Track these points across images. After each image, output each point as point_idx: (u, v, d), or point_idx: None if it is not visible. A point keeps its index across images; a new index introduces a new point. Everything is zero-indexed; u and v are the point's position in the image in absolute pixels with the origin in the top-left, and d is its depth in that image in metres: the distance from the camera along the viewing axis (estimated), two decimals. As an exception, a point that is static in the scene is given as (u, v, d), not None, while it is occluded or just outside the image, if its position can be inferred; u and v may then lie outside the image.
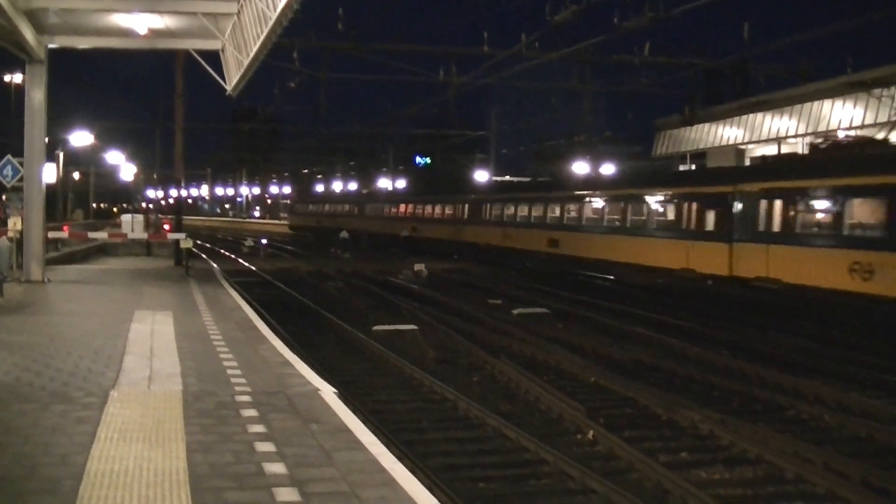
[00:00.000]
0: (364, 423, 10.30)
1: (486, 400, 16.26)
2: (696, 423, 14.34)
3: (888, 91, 48.11)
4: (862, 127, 51.95)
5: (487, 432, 14.06)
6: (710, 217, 30.40)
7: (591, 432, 13.79)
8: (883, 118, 49.75)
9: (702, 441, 13.78)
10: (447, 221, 57.06)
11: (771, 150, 59.86)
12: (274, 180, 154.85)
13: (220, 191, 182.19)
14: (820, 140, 34.61)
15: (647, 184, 36.87)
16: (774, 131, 60.43)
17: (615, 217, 36.99)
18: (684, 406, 15.11)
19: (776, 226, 27.03)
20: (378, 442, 9.30)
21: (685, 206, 32.05)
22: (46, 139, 27.95)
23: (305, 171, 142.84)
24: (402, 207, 67.90)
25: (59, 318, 18.89)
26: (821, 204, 25.78)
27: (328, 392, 11.67)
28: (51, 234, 32.83)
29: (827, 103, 55.44)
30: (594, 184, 43.93)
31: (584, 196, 40.23)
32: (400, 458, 9.09)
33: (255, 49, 21.12)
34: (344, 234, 70.26)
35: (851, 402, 16.19)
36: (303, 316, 27.08)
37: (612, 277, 36.93)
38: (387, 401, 16.31)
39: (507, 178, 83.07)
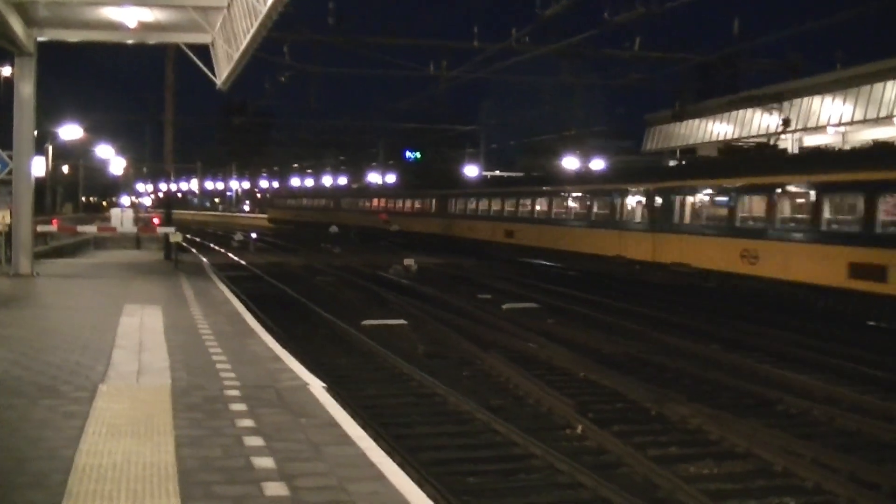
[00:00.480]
0: (353, 417, 10.29)
1: (476, 394, 16.24)
2: (686, 418, 14.37)
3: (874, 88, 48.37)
4: (851, 123, 52.09)
5: (477, 427, 14.04)
6: (637, 211, 35.51)
7: (579, 427, 13.80)
8: (872, 114, 49.95)
9: (691, 435, 13.80)
10: (416, 214, 62.91)
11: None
12: (264, 174, 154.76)
13: (210, 185, 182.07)
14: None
15: (589, 181, 42.92)
16: (764, 127, 60.47)
17: (561, 211, 42.34)
18: (674, 400, 15.13)
19: (687, 218, 32.19)
20: (367, 436, 9.29)
21: (618, 201, 37.06)
22: (35, 132, 27.87)
23: (296, 165, 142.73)
24: (375, 202, 74.62)
25: (47, 312, 18.87)
26: (719, 200, 30.60)
27: (317, 386, 11.65)
28: (40, 228, 32.77)
29: (816, 99, 55.52)
30: (544, 181, 49.78)
31: (535, 192, 45.89)
32: (389, 453, 9.07)
33: (245, 43, 21.10)
34: (333, 229, 70.42)
35: (841, 396, 16.25)
36: (292, 310, 27.05)
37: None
38: (376, 395, 16.29)
39: (487, 174, 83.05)
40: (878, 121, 49.99)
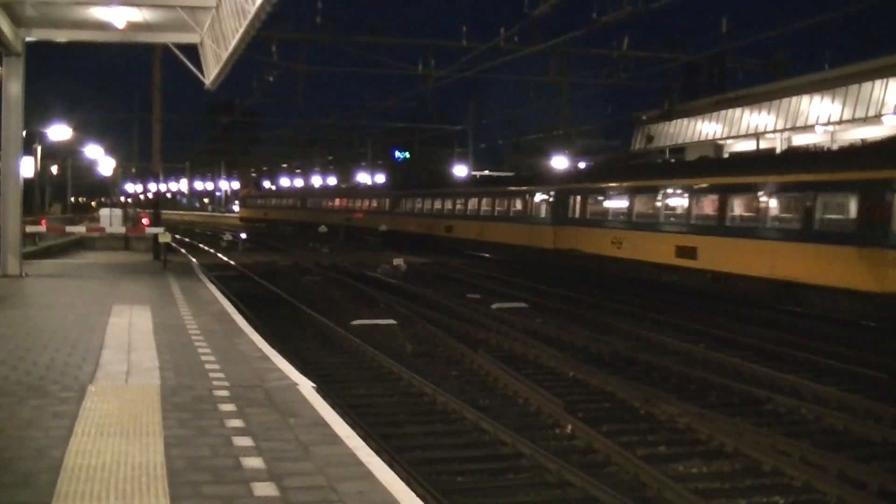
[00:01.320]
0: (342, 416, 10.30)
1: (465, 394, 16.28)
2: (674, 417, 14.40)
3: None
4: (840, 122, 52.20)
5: (465, 426, 14.07)
6: (542, 207, 43.15)
7: (568, 426, 13.83)
8: (861, 114, 50.07)
9: (679, 434, 13.84)
10: (372, 212, 71.49)
11: (749, 145, 60.11)
12: (253, 174, 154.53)
13: (198, 185, 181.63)
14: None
15: (510, 183, 51.50)
16: (753, 126, 60.59)
17: (488, 209, 50.06)
18: (662, 399, 15.17)
19: (577, 214, 39.57)
20: (356, 436, 9.30)
21: (529, 199, 44.82)
22: (24, 132, 27.81)
23: (284, 165, 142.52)
24: (337, 201, 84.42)
25: (36, 312, 18.82)
26: (597, 198, 38.41)
27: (306, 386, 11.66)
28: (28, 229, 32.69)
29: (805, 98, 55.63)
30: (476, 182, 59.07)
31: (469, 193, 54.31)
32: (377, 452, 9.08)
33: (233, 43, 21.07)
34: (322, 229, 70.53)
35: (828, 395, 16.28)
36: (281, 309, 27.04)
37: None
38: (365, 395, 16.31)
39: (476, 173, 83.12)
40: (866, 120, 50.10)
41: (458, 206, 54.12)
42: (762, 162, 35.61)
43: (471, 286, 34.52)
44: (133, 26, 25.03)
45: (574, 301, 29.61)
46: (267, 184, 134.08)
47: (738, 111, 62.05)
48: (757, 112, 60.09)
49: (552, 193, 42.06)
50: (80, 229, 42.23)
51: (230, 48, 21.70)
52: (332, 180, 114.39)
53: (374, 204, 72.31)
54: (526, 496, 11.01)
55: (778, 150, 51.69)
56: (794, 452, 12.43)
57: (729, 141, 63.79)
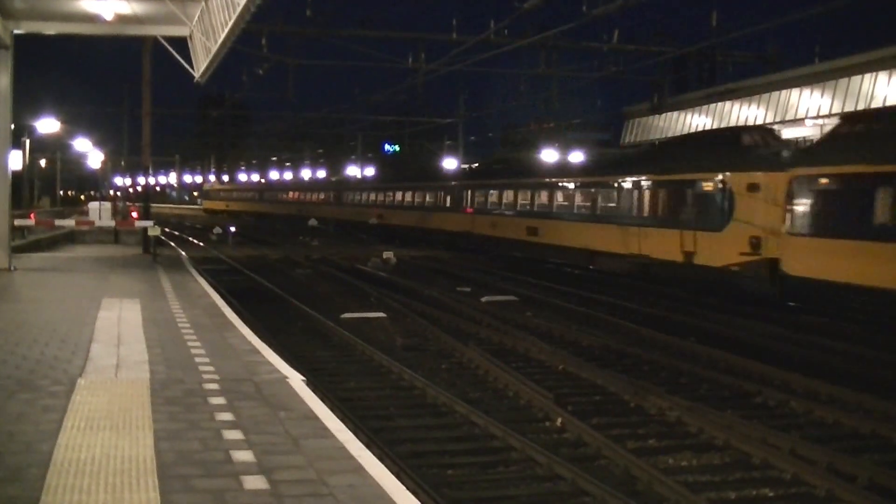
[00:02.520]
0: (332, 410, 10.29)
1: (455, 387, 16.29)
2: (664, 410, 14.42)
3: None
4: (830, 115, 52.29)
5: (456, 419, 14.08)
6: (463, 200, 50.84)
7: (558, 419, 13.84)
8: (850, 107, 50.16)
9: (669, 428, 13.85)
10: (322, 204, 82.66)
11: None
12: (242, 167, 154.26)
13: (188, 178, 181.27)
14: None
15: (443, 179, 58.35)
16: (742, 120, 60.66)
17: (426, 201, 58.06)
18: (652, 393, 15.18)
19: (470, 205, 49.00)
20: (346, 429, 9.29)
21: (454, 194, 52.61)
22: (12, 125, 27.73)
23: (274, 158, 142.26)
24: (292, 194, 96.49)
25: (25, 306, 18.79)
26: (509, 194, 45.22)
27: (296, 379, 11.65)
28: (17, 222, 32.63)
29: (794, 92, 55.71)
30: (415, 177, 65.36)
31: (404, 187, 62.67)
32: (368, 446, 9.09)
33: (223, 35, 21.00)
34: (313, 222, 70.58)
35: (818, 388, 16.30)
36: (270, 303, 27.02)
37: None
38: (355, 388, 16.31)
39: (466, 166, 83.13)
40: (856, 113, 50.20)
41: (394, 199, 64.26)
42: (577, 168, 44.53)
43: (461, 279, 34.52)
44: (122, 19, 24.96)
45: (564, 294, 29.62)
46: (255, 177, 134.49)
47: (727, 104, 62.13)
48: (747, 105, 60.18)
49: (466, 189, 51.34)
50: (70, 223, 42.15)
51: (219, 41, 21.64)
52: (321, 173, 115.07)
53: (314, 196, 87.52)
54: (516, 489, 11.01)
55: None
56: (784, 445, 12.45)
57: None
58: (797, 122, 55.16)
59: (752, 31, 45.49)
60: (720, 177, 28.22)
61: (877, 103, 48.24)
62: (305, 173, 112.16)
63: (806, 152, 27.42)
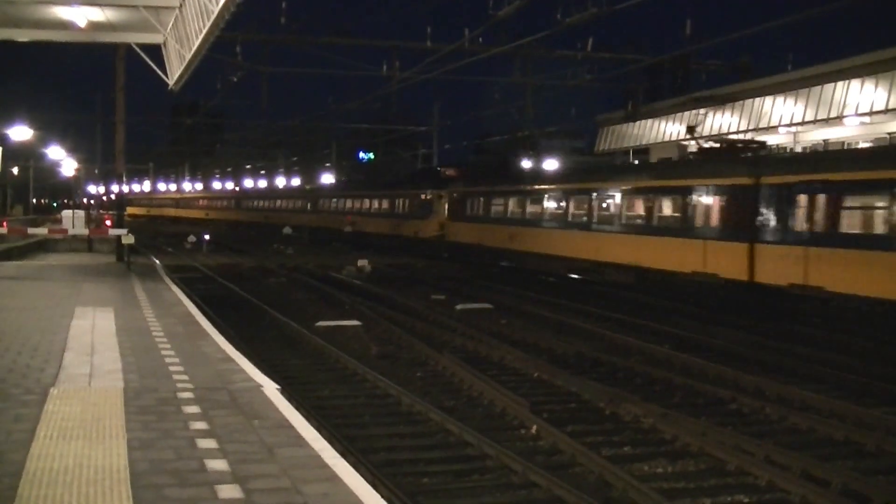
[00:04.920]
0: (306, 418, 10.26)
1: (430, 395, 16.28)
2: (639, 417, 14.45)
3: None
4: (802, 123, 52.53)
5: (431, 427, 14.07)
6: (432, 207, 53.59)
7: (533, 427, 13.85)
8: (823, 115, 50.40)
9: (644, 435, 13.89)
10: (282, 210, 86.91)
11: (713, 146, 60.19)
12: (216, 175, 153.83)
13: (162, 186, 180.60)
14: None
15: (399, 187, 61.67)
16: (717, 127, 60.79)
17: (383, 208, 62.40)
18: (627, 400, 15.21)
19: (481, 212, 47.53)
20: (320, 437, 9.27)
21: (418, 199, 55.76)
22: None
23: (248, 166, 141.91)
24: (254, 202, 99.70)
25: (-3, 315, 18.66)
26: (487, 201, 46.63)
27: (270, 388, 11.61)
28: (-11, 230, 32.42)
29: (768, 99, 55.91)
30: (371, 186, 70.22)
31: (374, 194, 65.80)
32: (343, 454, 9.06)
33: (197, 43, 20.99)
34: (287, 230, 70.49)
35: (792, 394, 16.37)
36: (245, 311, 26.97)
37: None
38: (329, 396, 16.30)
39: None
40: (828, 121, 50.46)
41: (364, 206, 67.27)
42: (550, 176, 47.62)
43: (435, 287, 34.51)
44: (95, 26, 24.88)
45: (539, 302, 29.64)
46: (230, 185, 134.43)
47: (701, 112, 62.24)
48: (720, 113, 60.29)
49: (433, 196, 54.00)
50: (43, 231, 41.91)
51: (194, 48, 21.62)
52: (296, 181, 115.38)
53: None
54: (491, 497, 11.01)
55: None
56: (759, 452, 12.49)
57: (692, 142, 63.94)
58: (770, 129, 55.35)
59: (725, 40, 45.63)
60: None
61: (849, 111, 48.47)
62: (279, 181, 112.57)
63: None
